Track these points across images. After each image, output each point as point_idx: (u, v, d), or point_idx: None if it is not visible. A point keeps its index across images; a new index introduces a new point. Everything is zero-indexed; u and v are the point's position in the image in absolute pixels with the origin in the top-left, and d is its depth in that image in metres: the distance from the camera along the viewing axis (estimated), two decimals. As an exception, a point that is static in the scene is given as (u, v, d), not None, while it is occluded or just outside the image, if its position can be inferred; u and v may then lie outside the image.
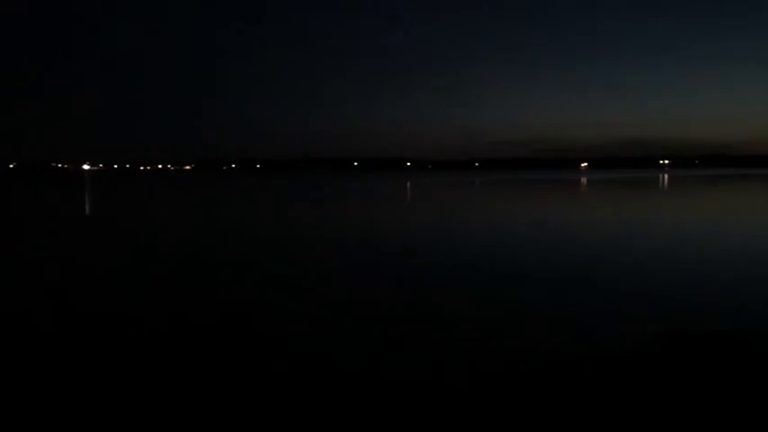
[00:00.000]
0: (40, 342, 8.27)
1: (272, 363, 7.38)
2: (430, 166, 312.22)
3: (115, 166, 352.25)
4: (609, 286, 11.79)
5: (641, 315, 9.49)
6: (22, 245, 19.51)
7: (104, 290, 11.80)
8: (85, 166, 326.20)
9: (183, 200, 49.60)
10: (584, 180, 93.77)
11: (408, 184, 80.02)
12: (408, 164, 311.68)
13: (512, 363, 7.29)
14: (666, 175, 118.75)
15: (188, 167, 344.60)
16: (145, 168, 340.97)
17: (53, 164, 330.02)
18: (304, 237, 21.61)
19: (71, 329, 8.91)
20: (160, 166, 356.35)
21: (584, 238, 20.22)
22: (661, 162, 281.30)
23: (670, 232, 21.73)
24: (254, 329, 8.89)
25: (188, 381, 6.74)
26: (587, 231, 22.22)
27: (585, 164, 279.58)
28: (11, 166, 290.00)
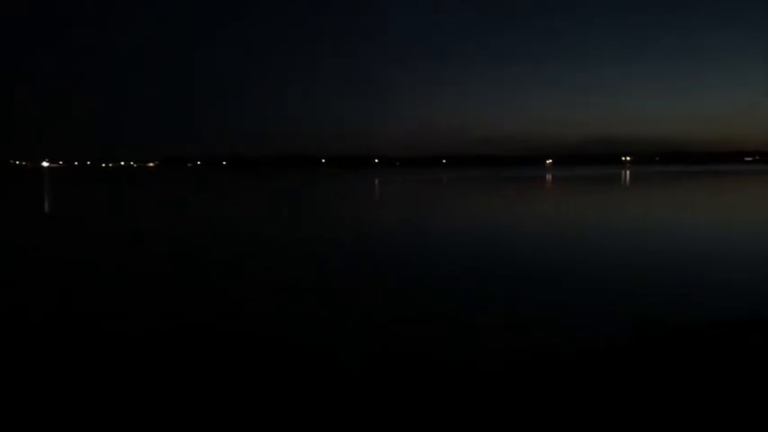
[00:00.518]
0: (19, 342, 8.18)
1: (255, 360, 7.46)
2: (398, 164, 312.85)
3: (76, 164, 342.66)
4: (572, 284, 12.16)
5: (604, 310, 9.86)
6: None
7: (71, 291, 11.65)
8: (45, 163, 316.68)
9: (150, 197, 48.70)
10: (549, 177, 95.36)
11: (377, 182, 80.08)
12: (376, 161, 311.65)
13: (491, 358, 7.52)
14: (628, 172, 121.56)
15: (151, 164, 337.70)
16: (107, 165, 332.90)
17: (11, 161, 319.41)
18: (277, 235, 21.57)
19: (46, 331, 8.82)
20: (123, 164, 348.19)
21: (549, 235, 20.69)
22: (623, 159, 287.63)
23: (628, 228, 22.39)
24: (235, 328, 8.93)
25: (169, 381, 6.78)
26: (552, 229, 22.72)
27: (550, 161, 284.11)
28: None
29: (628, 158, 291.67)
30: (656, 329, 8.29)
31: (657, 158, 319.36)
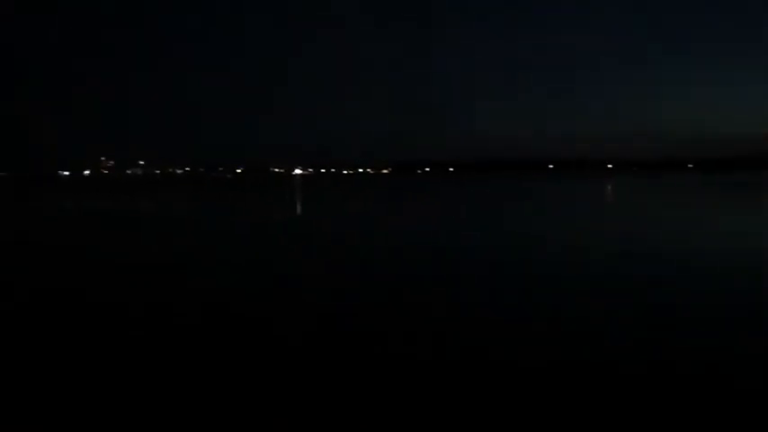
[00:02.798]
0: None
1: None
2: (635, 168, 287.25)
3: (322, 171, 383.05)
4: None
5: None
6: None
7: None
8: (297, 171, 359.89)
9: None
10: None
11: (609, 188, 73.88)
12: (610, 166, 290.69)
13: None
14: None
15: (385, 171, 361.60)
16: (348, 173, 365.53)
17: (271, 168, 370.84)
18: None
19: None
20: (361, 170, 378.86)
21: None
22: None
23: None
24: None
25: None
26: None
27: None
28: (238, 170, 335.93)
29: None
30: None
31: None
